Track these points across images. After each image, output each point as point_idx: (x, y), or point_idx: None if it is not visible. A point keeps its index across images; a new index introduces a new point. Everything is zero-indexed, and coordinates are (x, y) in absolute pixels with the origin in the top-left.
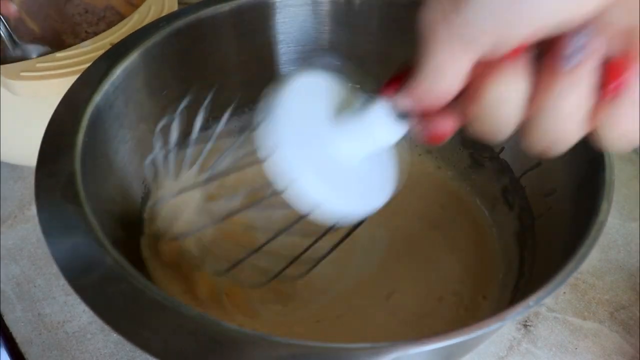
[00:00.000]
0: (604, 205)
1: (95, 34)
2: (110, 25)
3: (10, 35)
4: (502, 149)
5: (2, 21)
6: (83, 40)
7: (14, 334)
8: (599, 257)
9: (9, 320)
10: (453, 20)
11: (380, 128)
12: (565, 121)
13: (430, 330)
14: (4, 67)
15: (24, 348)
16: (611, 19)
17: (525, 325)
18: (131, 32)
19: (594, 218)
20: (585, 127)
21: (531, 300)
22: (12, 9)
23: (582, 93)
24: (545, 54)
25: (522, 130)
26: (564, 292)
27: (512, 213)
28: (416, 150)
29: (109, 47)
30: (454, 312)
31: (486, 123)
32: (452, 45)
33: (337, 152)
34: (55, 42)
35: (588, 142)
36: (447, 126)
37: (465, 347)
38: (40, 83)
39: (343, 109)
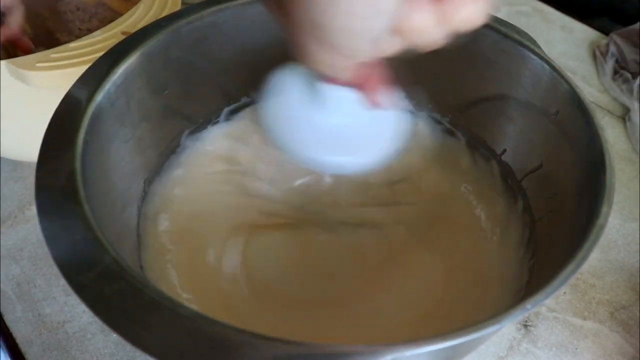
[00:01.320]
0: (604, 209)
1: (89, 30)
2: (102, 21)
3: None
4: (504, 151)
5: None
6: (77, 37)
7: (14, 334)
8: (599, 258)
9: (9, 320)
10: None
11: (338, 99)
12: (427, 27)
13: (428, 332)
14: (20, 59)
15: (24, 348)
16: None
17: (525, 326)
18: (141, 19)
19: (594, 221)
20: (443, 26)
21: (529, 303)
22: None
23: (427, 5)
24: None
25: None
26: (564, 292)
27: (513, 215)
28: (416, 150)
29: (120, 35)
30: (452, 312)
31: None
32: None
33: (320, 123)
34: (49, 40)
35: (590, 146)
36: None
37: (463, 349)
38: (56, 73)
39: (314, 91)
